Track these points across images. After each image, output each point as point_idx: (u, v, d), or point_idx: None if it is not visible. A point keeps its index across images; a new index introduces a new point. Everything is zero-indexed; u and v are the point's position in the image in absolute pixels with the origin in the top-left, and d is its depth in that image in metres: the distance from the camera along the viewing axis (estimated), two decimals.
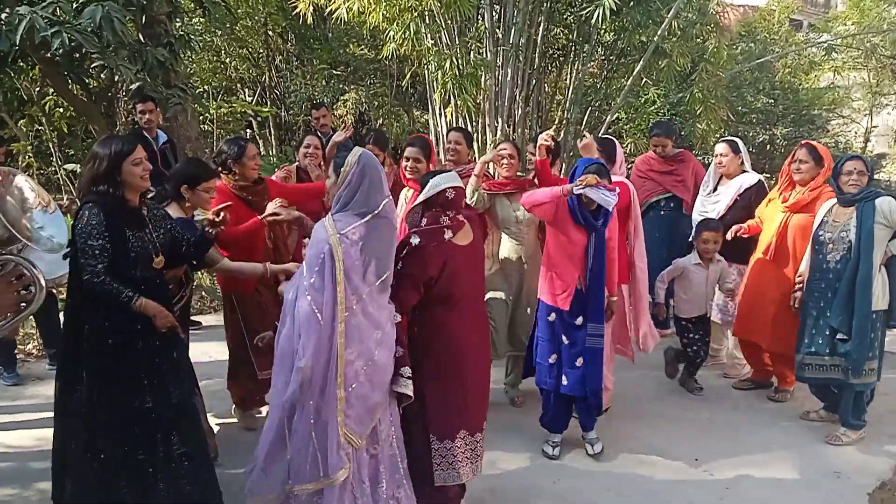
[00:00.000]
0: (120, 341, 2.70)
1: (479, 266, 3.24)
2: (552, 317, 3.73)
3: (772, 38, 12.85)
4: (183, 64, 6.27)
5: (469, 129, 7.26)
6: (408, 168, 4.26)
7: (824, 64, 12.19)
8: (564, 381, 3.70)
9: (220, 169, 3.70)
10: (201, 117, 9.81)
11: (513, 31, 7.04)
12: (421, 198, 3.04)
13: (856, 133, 13.77)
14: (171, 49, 4.72)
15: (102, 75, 4.70)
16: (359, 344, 2.66)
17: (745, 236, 4.54)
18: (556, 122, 8.20)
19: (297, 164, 4.83)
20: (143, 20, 4.81)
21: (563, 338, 3.71)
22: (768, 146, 11.82)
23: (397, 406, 2.88)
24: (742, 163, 4.91)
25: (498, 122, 7.19)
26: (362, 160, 2.74)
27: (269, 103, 11.43)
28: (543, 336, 3.78)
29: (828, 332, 3.99)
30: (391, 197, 2.83)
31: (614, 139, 4.60)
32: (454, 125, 7.25)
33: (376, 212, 2.72)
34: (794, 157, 4.38)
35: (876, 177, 13.97)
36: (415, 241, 2.93)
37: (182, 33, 5.20)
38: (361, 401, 2.67)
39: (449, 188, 2.98)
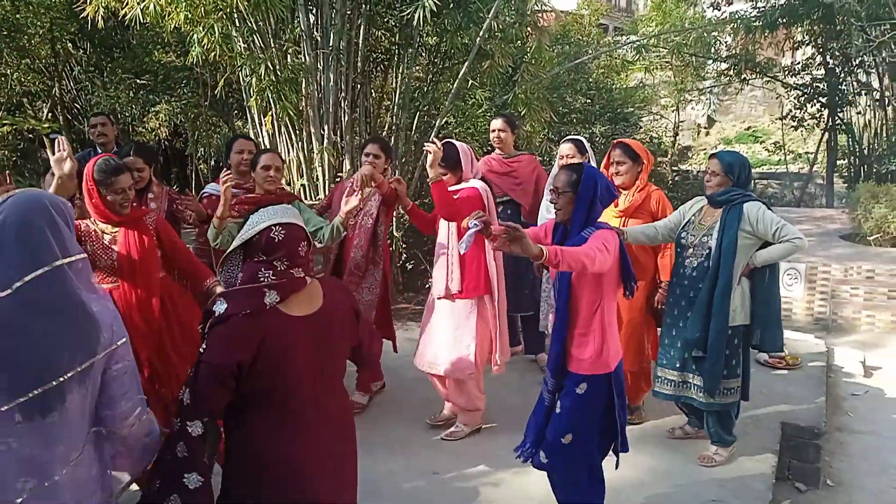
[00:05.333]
0: None
1: (332, 347, 2.17)
2: None
3: (584, 40, 13.47)
4: None
5: (292, 137, 6.82)
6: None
7: (636, 63, 12.92)
8: None
9: None
10: None
11: (331, 33, 6.67)
12: (236, 242, 2.13)
13: (666, 128, 14.79)
14: None
15: None
16: None
17: None
18: (386, 127, 7.94)
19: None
20: None
21: None
22: (589, 144, 12.26)
23: None
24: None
25: (324, 130, 6.79)
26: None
27: (67, 118, 10.21)
28: None
29: (679, 345, 3.67)
30: (52, 265, 1.77)
31: (453, 142, 4.08)
32: (274, 134, 6.78)
33: (7, 292, 1.71)
34: (610, 160, 4.09)
35: (683, 168, 15.13)
36: (219, 307, 2.00)
37: None
38: None
39: (275, 226, 2.05)
